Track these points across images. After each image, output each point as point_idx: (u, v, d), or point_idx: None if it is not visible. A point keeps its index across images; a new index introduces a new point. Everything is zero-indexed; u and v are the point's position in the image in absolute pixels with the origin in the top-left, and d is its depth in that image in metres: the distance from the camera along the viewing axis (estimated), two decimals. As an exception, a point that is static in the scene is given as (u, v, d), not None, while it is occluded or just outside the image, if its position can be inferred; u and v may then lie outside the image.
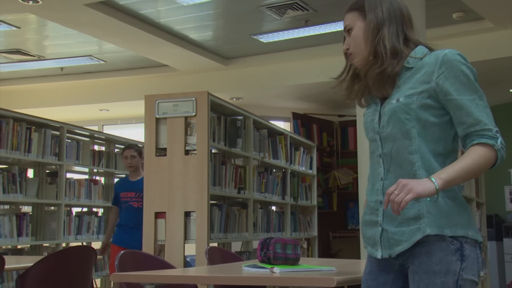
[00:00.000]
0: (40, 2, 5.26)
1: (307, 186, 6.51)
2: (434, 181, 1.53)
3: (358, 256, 5.35)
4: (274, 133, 5.49)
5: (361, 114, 3.97)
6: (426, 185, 1.53)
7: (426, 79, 1.67)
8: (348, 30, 1.79)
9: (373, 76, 1.71)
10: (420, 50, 1.73)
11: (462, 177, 1.58)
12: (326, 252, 7.88)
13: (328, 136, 8.61)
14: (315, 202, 6.67)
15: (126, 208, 4.89)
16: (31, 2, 5.25)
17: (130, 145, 5.11)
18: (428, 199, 1.57)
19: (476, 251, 1.63)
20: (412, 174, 1.64)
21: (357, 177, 5.86)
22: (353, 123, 7.63)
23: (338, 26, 6.07)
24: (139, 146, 5.08)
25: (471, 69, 1.68)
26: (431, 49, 1.74)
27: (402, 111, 1.67)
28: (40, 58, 7.43)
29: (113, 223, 5.10)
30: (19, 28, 6.27)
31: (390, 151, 1.69)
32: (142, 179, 4.64)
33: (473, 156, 1.59)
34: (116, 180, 5.97)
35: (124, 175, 5.92)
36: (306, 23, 6.15)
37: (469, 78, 1.66)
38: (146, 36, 6.26)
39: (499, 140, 1.60)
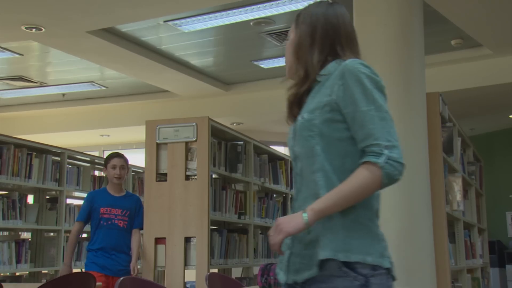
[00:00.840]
0: (43, 29, 5.33)
1: (307, 211, 6.48)
2: (304, 215, 1.47)
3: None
4: (275, 158, 5.49)
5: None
6: (296, 222, 1.47)
7: (328, 92, 1.58)
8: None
9: (291, 96, 1.66)
10: (333, 66, 1.63)
11: (338, 204, 1.47)
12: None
13: (328, 162, 8.59)
14: (316, 228, 6.63)
15: (108, 226, 4.10)
16: (34, 30, 5.32)
17: (119, 154, 4.34)
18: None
19: (387, 284, 1.50)
20: (315, 194, 1.53)
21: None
22: (354, 149, 7.63)
23: (338, 53, 6.13)
24: (126, 157, 4.39)
25: (372, 79, 1.55)
26: None
27: (305, 128, 1.58)
28: (42, 85, 7.49)
29: (76, 242, 4.29)
30: (22, 55, 6.34)
31: (300, 170, 1.61)
32: (128, 196, 4.32)
33: (351, 180, 1.47)
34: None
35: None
36: (306, 50, 6.21)
37: (367, 88, 1.52)
38: (148, 62, 6.32)
39: (383, 157, 1.45)
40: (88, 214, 4.14)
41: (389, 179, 1.46)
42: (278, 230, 1.48)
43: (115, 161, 4.20)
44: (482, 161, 6.16)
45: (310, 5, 1.73)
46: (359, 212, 1.52)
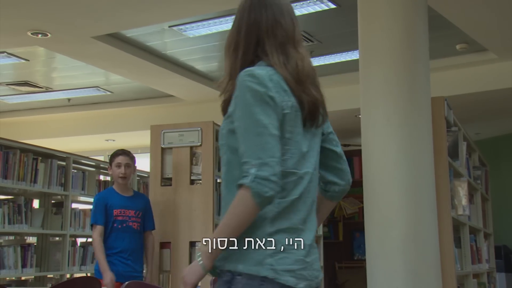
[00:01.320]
0: (49, 35, 5.36)
1: (312, 216, 6.46)
2: (200, 262, 1.46)
3: (364, 287, 5.28)
4: (280, 163, 5.49)
5: (366, 143, 3.98)
6: (194, 270, 1.47)
7: (232, 103, 1.53)
8: None
9: (222, 103, 1.61)
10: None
11: (228, 236, 1.43)
12: (332, 283, 7.77)
13: (333, 166, 8.57)
14: (320, 232, 6.61)
15: (122, 229, 3.81)
16: (40, 35, 5.35)
17: (125, 151, 4.02)
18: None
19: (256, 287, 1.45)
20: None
21: (363, 207, 5.83)
22: (358, 153, 7.58)
23: (343, 57, 6.14)
24: (132, 154, 4.09)
25: (255, 92, 1.46)
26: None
27: (219, 137, 1.58)
28: (48, 90, 7.52)
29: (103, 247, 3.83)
30: (28, 60, 6.37)
31: None
32: (138, 196, 4.07)
33: (230, 209, 1.43)
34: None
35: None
36: (311, 54, 6.22)
37: (247, 102, 1.45)
38: (153, 67, 6.34)
39: (250, 177, 1.39)
40: (105, 215, 3.78)
41: (261, 198, 1.39)
42: (184, 284, 1.49)
43: (119, 159, 3.92)
44: (488, 165, 6.14)
45: None
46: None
